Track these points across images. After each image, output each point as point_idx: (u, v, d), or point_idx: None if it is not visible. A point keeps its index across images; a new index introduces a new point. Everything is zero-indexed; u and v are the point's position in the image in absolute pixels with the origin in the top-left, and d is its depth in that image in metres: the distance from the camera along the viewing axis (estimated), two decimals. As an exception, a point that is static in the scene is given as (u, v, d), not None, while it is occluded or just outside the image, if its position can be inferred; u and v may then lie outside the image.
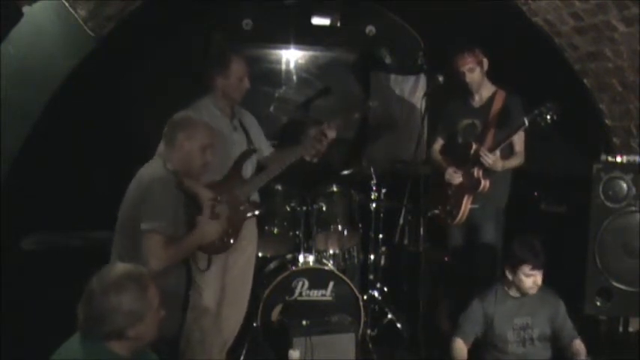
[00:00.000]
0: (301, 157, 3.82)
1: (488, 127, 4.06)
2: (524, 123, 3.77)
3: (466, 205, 4.04)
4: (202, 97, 3.64)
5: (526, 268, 3.31)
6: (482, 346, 3.47)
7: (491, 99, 4.12)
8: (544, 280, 3.41)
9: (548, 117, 3.63)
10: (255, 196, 3.80)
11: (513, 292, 3.43)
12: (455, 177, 4.09)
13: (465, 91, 4.17)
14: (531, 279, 3.33)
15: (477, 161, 3.96)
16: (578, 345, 3.39)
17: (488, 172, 3.98)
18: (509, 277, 3.41)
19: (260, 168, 3.83)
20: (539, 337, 3.41)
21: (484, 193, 4.00)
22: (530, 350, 3.40)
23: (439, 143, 4.38)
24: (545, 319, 3.42)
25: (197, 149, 3.07)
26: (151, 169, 3.03)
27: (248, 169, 3.73)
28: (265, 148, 3.91)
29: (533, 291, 3.37)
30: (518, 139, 4.00)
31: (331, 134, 3.79)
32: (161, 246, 2.86)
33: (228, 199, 3.53)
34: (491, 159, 3.89)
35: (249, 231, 3.83)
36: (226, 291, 3.77)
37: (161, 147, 3.21)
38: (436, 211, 4.14)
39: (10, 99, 3.36)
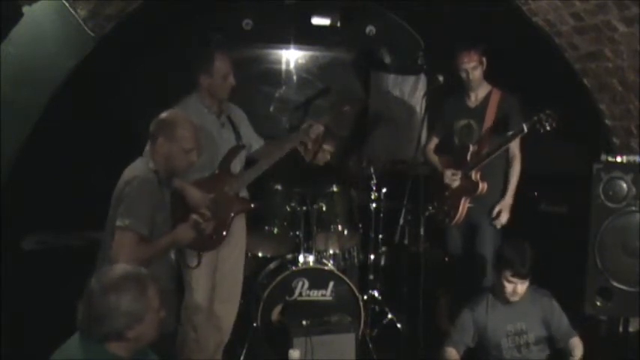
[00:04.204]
0: (302, 159, 3.82)
1: (485, 130, 4.06)
2: (523, 130, 3.78)
3: (464, 206, 4.05)
4: (189, 95, 3.62)
5: (508, 273, 3.27)
6: (478, 355, 3.46)
7: (486, 99, 4.12)
8: (539, 281, 3.40)
9: (547, 124, 3.64)
10: (244, 193, 3.79)
11: (503, 299, 3.38)
12: (453, 180, 4.09)
13: (461, 91, 4.18)
14: (511, 286, 3.29)
15: (474, 164, 3.97)
16: (576, 342, 3.37)
17: (486, 174, 3.99)
18: (494, 279, 3.40)
19: (250, 163, 3.83)
20: (535, 340, 3.38)
21: (483, 194, 4.01)
22: (526, 355, 3.38)
23: (434, 142, 4.38)
24: (539, 321, 3.39)
25: (178, 151, 2.99)
26: (133, 168, 2.99)
27: (237, 165, 3.72)
28: (255, 141, 3.88)
29: (513, 298, 3.33)
30: (514, 143, 4.00)
31: (318, 128, 3.77)
32: (131, 244, 2.79)
33: (217, 195, 3.52)
34: (506, 216, 4.02)
35: (239, 227, 3.83)
36: (218, 288, 3.77)
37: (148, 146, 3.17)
38: (434, 211, 4.14)
39: (10, 99, 3.36)
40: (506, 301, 3.37)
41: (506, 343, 3.37)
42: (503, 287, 3.31)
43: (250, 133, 3.88)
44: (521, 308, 3.39)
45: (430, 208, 4.11)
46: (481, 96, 4.15)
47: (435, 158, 4.32)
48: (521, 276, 3.27)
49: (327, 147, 4.43)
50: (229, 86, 3.62)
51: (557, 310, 3.41)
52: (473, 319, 3.41)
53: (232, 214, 3.64)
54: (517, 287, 3.29)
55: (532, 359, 3.39)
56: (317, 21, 5.47)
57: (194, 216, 3.06)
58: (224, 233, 3.61)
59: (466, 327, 3.41)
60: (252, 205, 3.76)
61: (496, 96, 4.10)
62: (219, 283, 3.77)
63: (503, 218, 4.03)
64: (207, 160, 3.57)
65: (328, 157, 4.69)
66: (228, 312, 3.88)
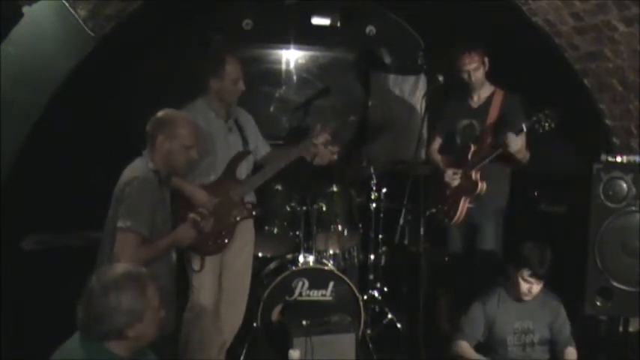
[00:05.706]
0: (303, 158, 3.81)
1: (486, 129, 4.06)
2: (522, 129, 3.78)
3: (463, 206, 4.05)
4: (196, 99, 3.60)
5: (526, 273, 3.29)
6: (481, 350, 3.46)
7: (489, 99, 4.12)
8: (545, 283, 3.40)
9: (546, 124, 3.65)
10: (251, 197, 3.78)
11: (516, 297, 3.40)
12: (453, 179, 4.09)
13: (464, 91, 4.18)
14: (527, 285, 3.31)
15: (475, 163, 3.97)
16: (572, 352, 3.39)
17: (487, 174, 3.99)
18: (509, 276, 3.40)
19: (257, 168, 3.82)
20: (540, 341, 3.40)
21: (484, 194, 4.00)
22: (529, 354, 3.40)
23: (437, 143, 4.38)
24: (546, 324, 3.41)
25: (178, 148, 2.99)
26: (133, 168, 2.99)
27: (243, 170, 3.71)
28: (262, 147, 3.88)
29: (526, 298, 3.35)
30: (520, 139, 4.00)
31: (324, 137, 3.75)
32: (133, 245, 2.80)
33: (222, 200, 3.52)
34: (517, 145, 3.80)
35: (247, 231, 3.82)
36: (225, 291, 3.77)
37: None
38: (434, 211, 4.14)
39: (10, 99, 3.36)
40: (517, 299, 3.39)
41: (511, 340, 3.39)
42: (518, 286, 3.33)
43: (257, 137, 3.86)
44: (531, 308, 3.41)
45: (433, 210, 4.11)
46: (484, 96, 4.15)
47: (438, 158, 4.32)
48: (539, 277, 3.29)
49: (332, 149, 4.43)
50: (239, 91, 3.60)
51: (562, 316, 3.44)
52: (484, 313, 3.42)
53: (237, 220, 3.63)
54: (533, 287, 3.32)
55: (535, 359, 3.39)
56: (317, 21, 5.47)
57: (192, 214, 3.06)
58: (227, 238, 3.61)
59: (477, 321, 3.42)
60: (255, 213, 3.75)
61: (499, 96, 4.10)
62: (226, 285, 3.77)
63: (516, 144, 3.80)
64: (213, 165, 3.57)
65: (335, 157, 4.70)
66: (234, 314, 3.88)
